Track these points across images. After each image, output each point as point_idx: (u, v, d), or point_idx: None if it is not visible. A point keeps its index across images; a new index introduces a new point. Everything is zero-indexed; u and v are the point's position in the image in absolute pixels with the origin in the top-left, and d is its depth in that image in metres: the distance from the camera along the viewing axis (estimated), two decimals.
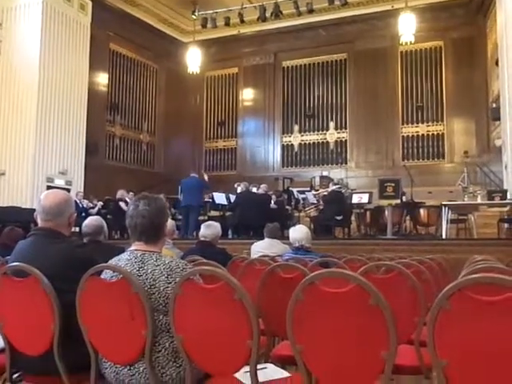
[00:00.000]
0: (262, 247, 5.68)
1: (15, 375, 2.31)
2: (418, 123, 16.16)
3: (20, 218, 9.29)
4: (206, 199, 12.40)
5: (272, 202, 11.35)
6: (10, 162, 13.05)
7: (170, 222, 4.29)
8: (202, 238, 4.62)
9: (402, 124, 16.30)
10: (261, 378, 1.86)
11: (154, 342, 2.01)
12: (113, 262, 2.20)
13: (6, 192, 12.94)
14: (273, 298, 2.58)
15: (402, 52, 16.30)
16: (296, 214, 12.63)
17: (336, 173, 15.91)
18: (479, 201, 9.95)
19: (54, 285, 2.10)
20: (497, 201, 9.77)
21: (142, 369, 2.03)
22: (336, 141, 17.18)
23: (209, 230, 4.64)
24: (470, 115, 15.29)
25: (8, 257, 2.62)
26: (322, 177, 14.93)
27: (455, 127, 15.62)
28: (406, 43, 12.78)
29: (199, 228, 4.85)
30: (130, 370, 2.05)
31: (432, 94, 15.97)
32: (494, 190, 10.95)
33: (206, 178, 12.13)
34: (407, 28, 12.19)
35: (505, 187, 10.97)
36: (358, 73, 16.79)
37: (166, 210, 2.32)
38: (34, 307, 2.16)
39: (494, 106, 13.01)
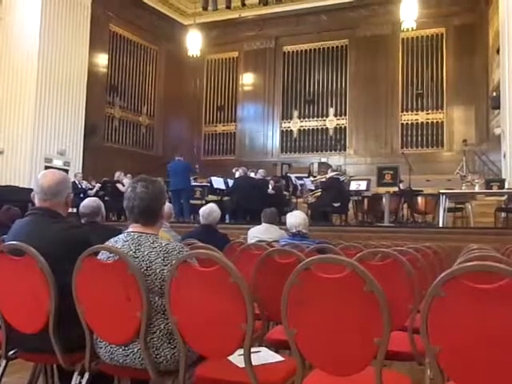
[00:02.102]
0: (258, 232, 5.69)
1: (11, 352, 2.33)
2: (417, 111, 16.12)
3: (17, 198, 9.25)
4: (203, 183, 12.41)
5: (270, 187, 11.36)
6: (8, 142, 13.00)
7: (167, 205, 4.30)
8: (206, 222, 4.66)
9: (402, 111, 16.26)
10: (254, 362, 1.87)
11: (149, 323, 2.03)
12: (110, 243, 2.20)
13: (4, 171, 12.91)
14: (268, 282, 2.59)
15: (403, 39, 16.20)
16: (294, 200, 12.65)
17: (335, 159, 15.93)
18: (477, 189, 9.96)
19: (50, 264, 2.11)
20: (495, 190, 9.78)
21: (136, 349, 2.04)
22: (335, 127, 17.15)
23: (210, 214, 4.68)
24: (470, 103, 15.26)
25: (5, 236, 2.62)
26: (320, 163, 14.93)
27: (455, 115, 15.59)
28: (408, 30, 12.68)
29: (194, 211, 4.90)
30: (124, 350, 2.07)
31: (432, 82, 15.91)
32: (492, 178, 10.95)
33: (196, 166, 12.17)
34: (409, 14, 12.08)
35: (503, 176, 10.97)
36: (358, 59, 16.71)
37: (164, 193, 2.32)
38: (30, 286, 2.17)
39: (495, 94, 12.96)
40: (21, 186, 11.56)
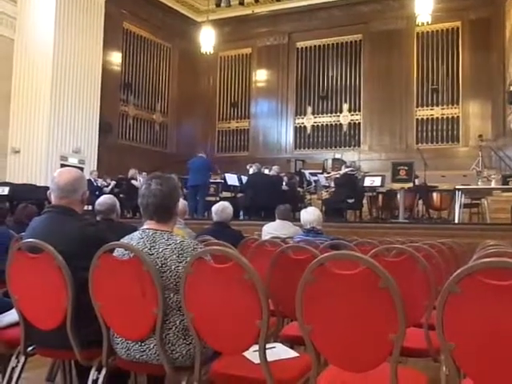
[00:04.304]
0: (273, 229, 5.70)
1: (29, 348, 2.36)
2: (432, 106, 15.95)
3: (34, 196, 9.39)
4: (217, 180, 12.44)
5: (284, 183, 11.34)
6: (24, 141, 13.15)
7: (182, 202, 4.31)
8: (219, 219, 4.67)
9: (417, 107, 16.11)
10: (269, 357, 1.88)
11: (165, 319, 2.04)
12: (125, 240, 2.22)
13: (20, 170, 13.07)
14: (283, 279, 2.59)
15: (418, 33, 16.03)
16: (308, 197, 12.62)
17: (349, 155, 15.81)
18: (493, 185, 9.85)
19: (67, 261, 2.14)
20: (511, 185, 9.67)
21: (152, 345, 2.06)
22: (349, 123, 17.05)
23: (223, 211, 4.69)
24: (486, 98, 15.06)
25: (23, 233, 2.66)
26: (334, 159, 14.86)
27: (471, 110, 15.41)
28: (423, 24, 12.53)
29: (208, 208, 4.90)
30: (140, 346, 2.09)
31: (448, 77, 15.73)
32: (509, 174, 10.82)
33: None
34: (424, 8, 11.94)
35: None
36: (372, 54, 16.57)
37: (178, 190, 2.34)
38: (47, 283, 2.20)
39: (511, 89, 12.80)
40: (37, 184, 11.68)
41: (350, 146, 16.68)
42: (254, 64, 18.51)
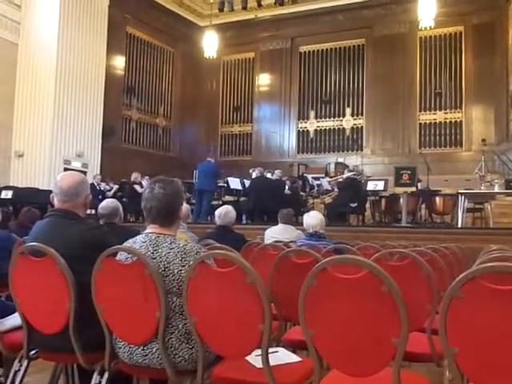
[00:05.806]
0: (275, 233, 5.70)
1: (32, 352, 2.36)
2: (435, 110, 15.95)
3: (37, 199, 9.43)
4: (220, 184, 12.44)
5: (286, 187, 11.34)
6: (28, 145, 13.18)
7: (185, 206, 4.32)
8: (222, 223, 4.67)
9: (420, 111, 16.11)
10: (272, 362, 1.87)
11: (168, 323, 2.04)
12: (128, 244, 2.22)
13: (24, 173, 13.10)
14: (285, 283, 2.59)
15: (421, 37, 16.05)
16: (310, 201, 12.61)
17: (352, 159, 15.84)
18: (496, 189, 9.83)
19: (69, 265, 2.14)
20: None
21: (155, 349, 2.06)
22: (352, 127, 17.06)
23: (226, 215, 4.70)
24: (490, 103, 15.05)
25: (25, 237, 2.66)
26: (337, 163, 14.88)
27: (474, 115, 15.40)
28: (426, 28, 12.55)
29: (212, 212, 4.91)
30: (143, 350, 2.08)
31: (451, 81, 15.73)
32: None
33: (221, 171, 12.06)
34: (427, 13, 11.96)
35: None
36: (375, 58, 16.60)
37: (182, 194, 2.33)
38: (50, 286, 2.20)
39: None
40: (40, 187, 11.70)
41: (352, 150, 16.69)
42: (257, 68, 18.54)
